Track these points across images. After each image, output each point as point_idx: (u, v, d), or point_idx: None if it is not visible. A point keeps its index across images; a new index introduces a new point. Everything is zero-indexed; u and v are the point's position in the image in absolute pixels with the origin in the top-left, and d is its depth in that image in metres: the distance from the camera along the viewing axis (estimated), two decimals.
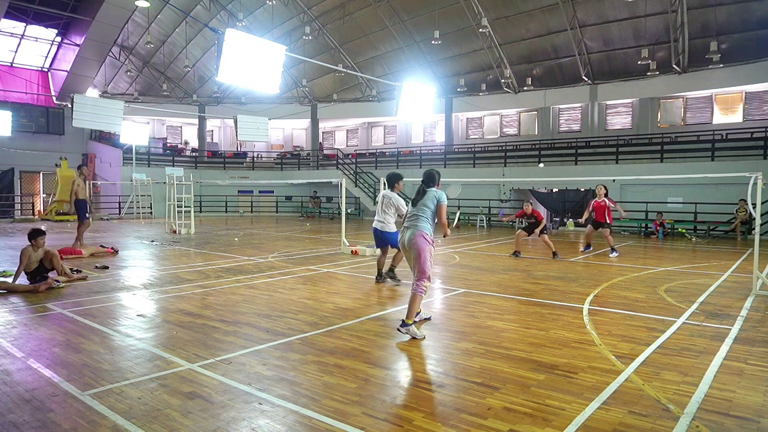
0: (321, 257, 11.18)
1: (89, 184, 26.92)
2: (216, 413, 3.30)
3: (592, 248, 12.46)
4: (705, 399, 3.55)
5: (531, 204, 12.23)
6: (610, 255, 11.56)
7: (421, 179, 5.48)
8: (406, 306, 5.05)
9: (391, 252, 8.25)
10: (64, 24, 26.90)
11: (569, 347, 4.72)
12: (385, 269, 8.17)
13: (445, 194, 5.36)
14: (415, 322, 5.11)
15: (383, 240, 8.19)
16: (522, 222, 12.96)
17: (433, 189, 5.40)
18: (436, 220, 5.33)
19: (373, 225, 8.24)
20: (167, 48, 29.50)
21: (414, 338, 4.96)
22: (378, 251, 8.77)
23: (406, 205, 6.23)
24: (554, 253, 11.34)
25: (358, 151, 31.60)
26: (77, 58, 26.93)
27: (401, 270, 8.28)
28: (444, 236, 5.69)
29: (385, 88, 28.92)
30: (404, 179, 8.44)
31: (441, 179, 5.52)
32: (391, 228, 8.09)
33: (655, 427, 3.13)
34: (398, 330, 5.03)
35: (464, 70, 26.74)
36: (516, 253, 11.68)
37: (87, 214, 11.92)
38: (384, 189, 8.43)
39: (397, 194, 8.10)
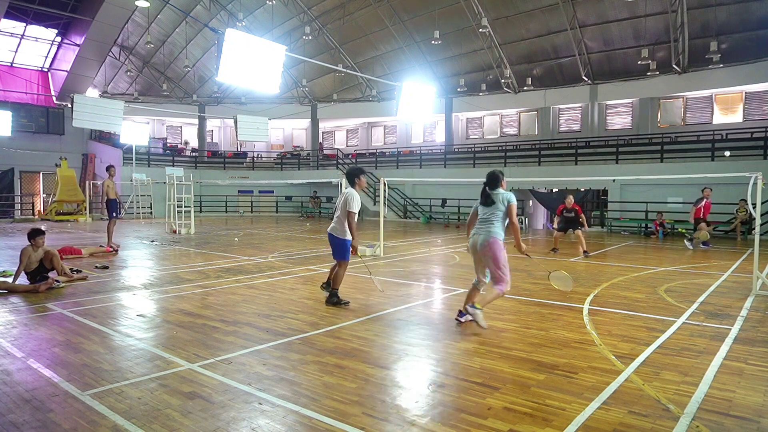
0: (321, 257, 11.18)
1: (90, 184, 27.04)
2: (216, 413, 3.30)
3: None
4: (705, 399, 3.55)
5: (572, 197, 12.46)
6: (704, 247, 13.21)
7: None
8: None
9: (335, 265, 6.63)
10: (64, 24, 26.89)
11: (569, 347, 4.72)
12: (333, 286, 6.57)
13: (515, 195, 5.38)
14: (468, 316, 5.28)
15: (333, 248, 6.56)
16: (559, 220, 12.67)
17: (500, 190, 5.39)
18: (506, 222, 5.37)
19: (328, 230, 6.59)
20: (167, 48, 29.49)
21: (476, 322, 5.16)
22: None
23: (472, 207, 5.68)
24: (585, 252, 11.53)
25: (358, 151, 31.58)
26: (77, 58, 26.93)
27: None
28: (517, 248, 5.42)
29: (385, 88, 28.92)
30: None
31: (504, 179, 5.48)
32: (348, 235, 6.39)
33: (655, 427, 3.13)
34: (466, 309, 5.26)
35: (464, 70, 26.74)
36: (554, 250, 12.12)
37: (114, 213, 12.64)
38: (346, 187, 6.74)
39: (358, 192, 6.56)
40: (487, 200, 5.38)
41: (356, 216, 6.37)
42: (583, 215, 12.37)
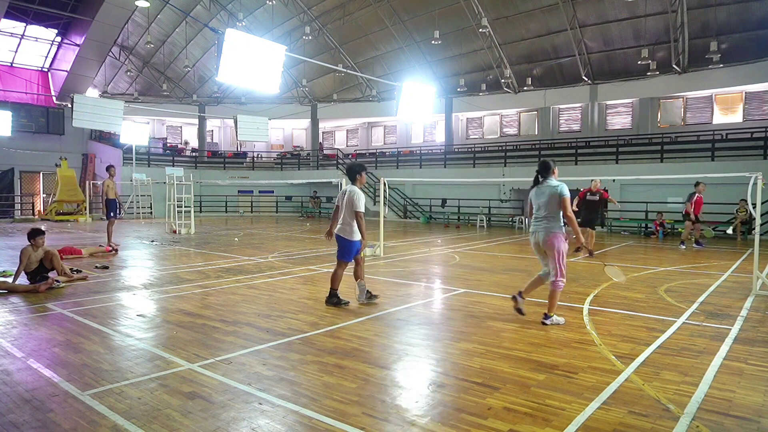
0: (321, 257, 11.18)
1: (90, 184, 27.04)
2: (216, 413, 3.30)
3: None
4: (705, 399, 3.55)
5: (599, 180, 11.76)
6: (698, 247, 13.22)
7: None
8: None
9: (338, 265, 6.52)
10: (64, 24, 26.90)
11: (569, 347, 4.72)
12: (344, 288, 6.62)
13: (566, 186, 5.41)
14: (551, 316, 5.48)
15: (341, 249, 6.44)
16: (579, 204, 11.51)
17: (553, 182, 5.44)
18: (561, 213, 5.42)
19: (335, 231, 6.49)
20: (167, 48, 29.49)
21: (558, 324, 5.41)
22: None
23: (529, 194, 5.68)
24: (590, 252, 10.92)
25: (358, 151, 31.58)
26: (77, 58, 26.93)
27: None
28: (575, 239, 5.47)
29: (385, 88, 28.92)
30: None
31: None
32: (356, 236, 6.36)
33: (655, 427, 3.13)
34: (543, 323, 5.44)
35: (464, 70, 26.74)
36: (579, 249, 11.27)
37: (111, 213, 12.75)
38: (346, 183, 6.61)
39: (360, 189, 6.49)
40: (540, 193, 5.44)
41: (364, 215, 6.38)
42: (611, 197, 11.89)
